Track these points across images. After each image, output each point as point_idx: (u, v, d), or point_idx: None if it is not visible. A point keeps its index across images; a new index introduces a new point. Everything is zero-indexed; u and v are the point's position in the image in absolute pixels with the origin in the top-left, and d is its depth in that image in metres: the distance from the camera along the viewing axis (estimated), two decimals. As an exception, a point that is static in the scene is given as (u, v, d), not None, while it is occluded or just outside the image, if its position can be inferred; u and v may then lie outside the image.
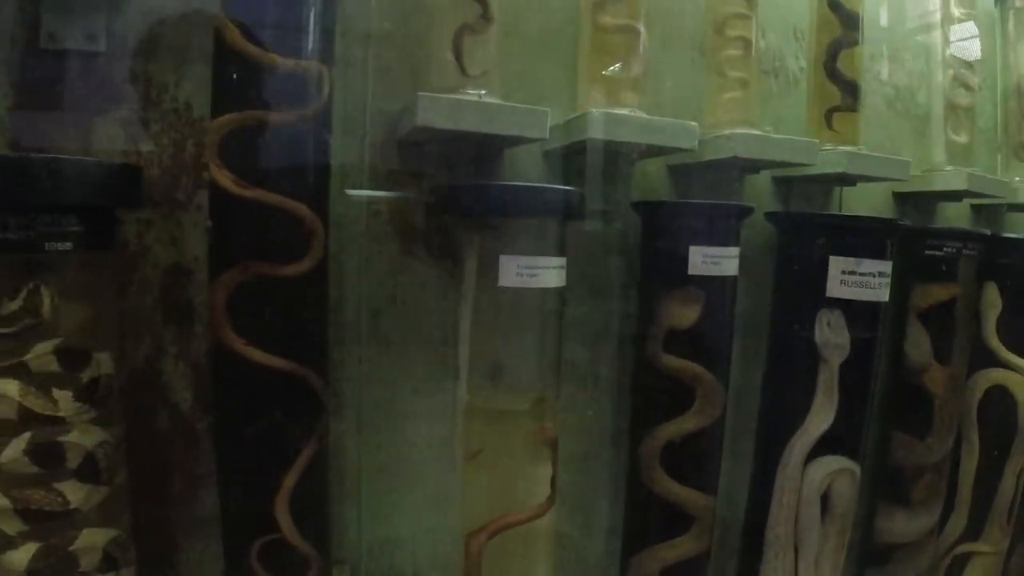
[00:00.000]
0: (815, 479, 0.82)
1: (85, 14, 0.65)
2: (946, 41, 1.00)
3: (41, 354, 0.50)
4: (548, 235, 0.66)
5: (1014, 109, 1.07)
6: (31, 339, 0.50)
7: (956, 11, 0.99)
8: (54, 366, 0.51)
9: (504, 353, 0.69)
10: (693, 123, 0.73)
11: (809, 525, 0.82)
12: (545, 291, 0.67)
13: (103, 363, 0.55)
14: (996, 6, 1.09)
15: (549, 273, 0.65)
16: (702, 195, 0.86)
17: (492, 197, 0.65)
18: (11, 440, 0.49)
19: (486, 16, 0.68)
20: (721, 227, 0.76)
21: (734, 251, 0.76)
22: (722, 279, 0.76)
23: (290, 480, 0.61)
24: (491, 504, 0.69)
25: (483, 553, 0.67)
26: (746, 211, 0.79)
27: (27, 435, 0.50)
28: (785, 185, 0.95)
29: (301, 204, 0.60)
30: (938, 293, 0.96)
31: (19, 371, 0.50)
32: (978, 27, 1.02)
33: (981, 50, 1.02)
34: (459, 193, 0.67)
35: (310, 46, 0.61)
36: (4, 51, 0.63)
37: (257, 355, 0.59)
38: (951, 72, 0.99)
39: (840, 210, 0.99)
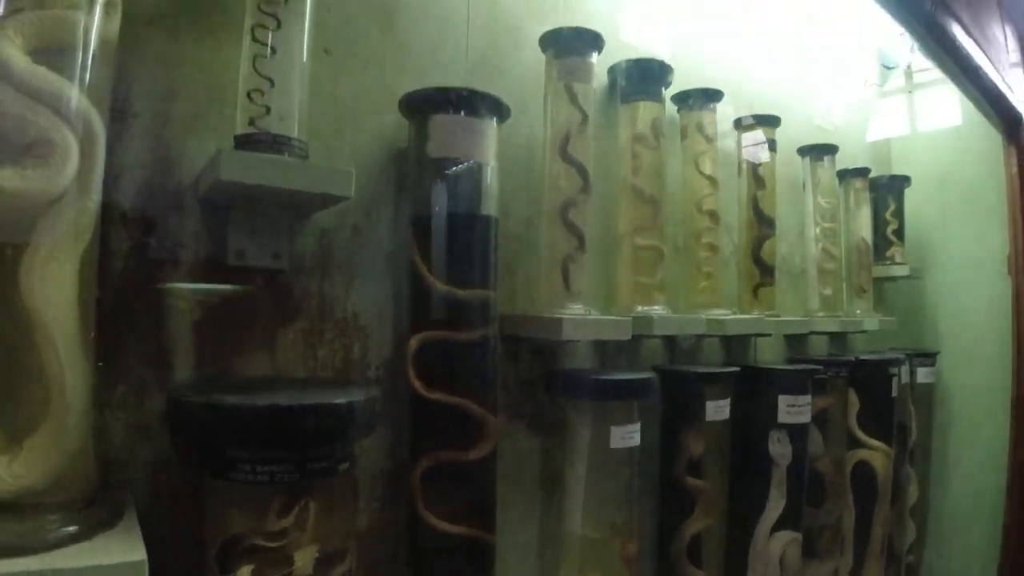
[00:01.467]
0: (776, 549, 1.17)
1: (271, 235, 0.74)
2: (816, 222, 1.43)
3: (307, 561, 0.59)
4: (634, 407, 0.95)
5: (855, 261, 1.52)
6: (294, 548, 0.58)
7: (822, 201, 1.43)
8: (310, 569, 0.59)
9: (604, 493, 0.96)
10: (703, 317, 1.06)
11: (775, 584, 1.17)
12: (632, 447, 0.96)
13: (352, 557, 0.66)
14: (840, 186, 1.54)
15: (637, 435, 0.94)
16: (681, 358, 1.20)
17: (616, 386, 0.93)
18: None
19: (582, 248, 0.94)
20: (722, 385, 1.09)
21: (728, 400, 1.09)
22: (722, 421, 1.09)
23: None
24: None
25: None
26: (735, 373, 1.13)
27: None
28: (726, 340, 1.31)
29: (473, 402, 0.80)
30: (822, 403, 1.36)
31: (285, 577, 0.58)
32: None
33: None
34: (584, 382, 0.94)
35: (482, 278, 0.81)
36: (190, 266, 0.71)
37: (444, 525, 0.78)
38: (821, 245, 1.42)
39: (755, 353, 1.38)
